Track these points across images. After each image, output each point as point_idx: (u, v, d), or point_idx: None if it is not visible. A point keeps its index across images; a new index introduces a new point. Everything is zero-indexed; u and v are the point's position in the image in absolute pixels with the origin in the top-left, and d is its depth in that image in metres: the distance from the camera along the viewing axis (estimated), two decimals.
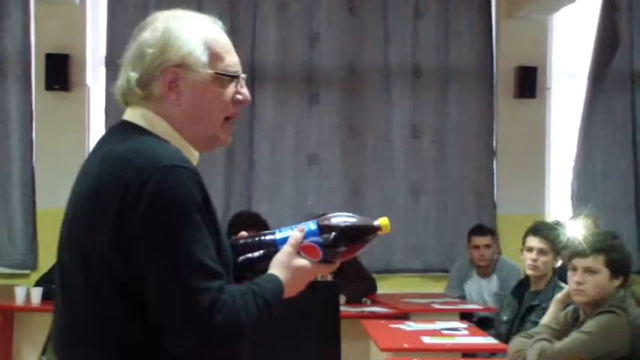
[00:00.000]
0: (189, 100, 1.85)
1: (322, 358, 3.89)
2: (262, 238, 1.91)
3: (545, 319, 4.02)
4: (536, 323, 4.19)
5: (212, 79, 1.86)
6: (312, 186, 7.27)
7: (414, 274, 7.32)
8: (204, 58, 1.85)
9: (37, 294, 5.71)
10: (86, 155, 1.91)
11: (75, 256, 1.78)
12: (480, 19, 7.43)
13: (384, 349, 4.27)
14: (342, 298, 5.52)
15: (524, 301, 4.76)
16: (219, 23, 1.93)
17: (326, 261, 1.87)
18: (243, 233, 1.97)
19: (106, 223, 1.70)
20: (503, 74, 7.45)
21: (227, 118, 1.90)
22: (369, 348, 4.89)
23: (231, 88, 1.89)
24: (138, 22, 1.91)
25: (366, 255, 6.53)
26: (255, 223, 5.74)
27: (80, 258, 1.76)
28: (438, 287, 6.92)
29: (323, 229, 1.86)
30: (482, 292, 6.38)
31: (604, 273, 3.60)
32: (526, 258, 4.74)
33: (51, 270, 5.62)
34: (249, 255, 1.90)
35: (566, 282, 3.94)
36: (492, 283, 6.36)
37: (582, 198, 7.24)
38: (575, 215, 6.15)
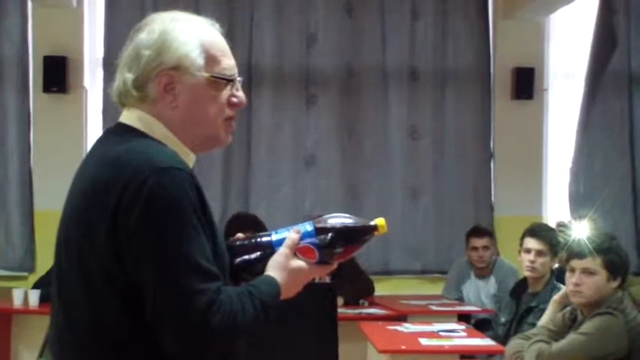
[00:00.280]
0: (185, 102, 1.85)
1: (320, 359, 3.90)
2: (259, 239, 1.91)
3: (543, 320, 4.02)
4: (534, 325, 4.19)
5: (208, 82, 1.85)
6: (310, 187, 7.27)
7: (411, 275, 7.33)
8: (200, 60, 1.84)
9: (35, 296, 5.70)
10: (84, 157, 1.91)
11: (71, 257, 1.78)
12: (477, 21, 7.44)
13: (381, 351, 4.26)
14: (340, 300, 5.52)
15: (522, 302, 4.75)
16: (217, 26, 1.93)
17: (323, 262, 1.87)
18: (240, 235, 1.97)
19: (102, 224, 1.70)
20: (500, 75, 7.45)
21: (227, 119, 1.90)
22: (367, 350, 4.88)
23: (226, 91, 1.89)
24: (135, 23, 1.91)
25: (364, 256, 6.54)
26: (252, 224, 5.73)
27: (77, 259, 1.76)
28: (436, 289, 6.92)
29: (319, 230, 1.86)
30: (480, 294, 6.38)
31: (602, 274, 3.60)
32: (524, 259, 4.74)
33: (49, 272, 5.61)
34: (246, 257, 1.89)
35: (564, 283, 3.94)
36: (490, 285, 6.36)
37: (580, 199, 7.24)
38: (574, 216, 6.15)
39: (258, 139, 7.21)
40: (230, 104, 1.90)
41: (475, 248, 6.39)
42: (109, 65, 6.67)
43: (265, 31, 7.24)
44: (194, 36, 1.86)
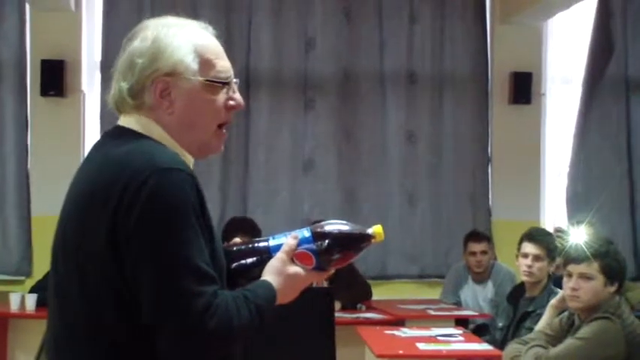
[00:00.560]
0: (182, 108, 1.84)
1: None
2: (256, 244, 1.91)
3: (540, 324, 4.01)
4: (531, 329, 4.19)
5: (203, 86, 1.85)
6: (308, 192, 7.27)
7: (409, 280, 7.33)
8: (194, 65, 1.84)
9: (31, 301, 5.69)
10: (81, 161, 1.91)
11: (69, 258, 1.78)
12: (475, 25, 7.45)
13: (379, 356, 4.26)
14: (337, 304, 5.51)
15: (519, 307, 4.75)
16: (210, 29, 1.92)
17: (319, 268, 1.87)
18: (237, 240, 1.97)
19: (102, 224, 1.70)
20: (498, 80, 7.46)
21: (220, 126, 1.90)
22: (364, 354, 4.87)
23: (223, 94, 1.88)
24: (133, 27, 1.90)
25: (362, 261, 6.53)
26: (250, 228, 5.73)
27: (74, 260, 1.76)
28: (434, 293, 6.92)
29: (316, 236, 1.86)
30: (477, 298, 6.38)
31: (599, 279, 3.61)
32: (521, 264, 4.74)
33: (46, 276, 5.60)
34: (243, 261, 1.89)
35: (561, 288, 3.94)
36: (487, 289, 6.36)
37: (577, 204, 7.24)
38: (571, 221, 6.15)
39: (256, 144, 7.20)
40: (227, 107, 1.89)
41: (473, 253, 6.39)
42: (107, 69, 6.59)
43: (263, 35, 7.24)
44: (187, 41, 1.85)
